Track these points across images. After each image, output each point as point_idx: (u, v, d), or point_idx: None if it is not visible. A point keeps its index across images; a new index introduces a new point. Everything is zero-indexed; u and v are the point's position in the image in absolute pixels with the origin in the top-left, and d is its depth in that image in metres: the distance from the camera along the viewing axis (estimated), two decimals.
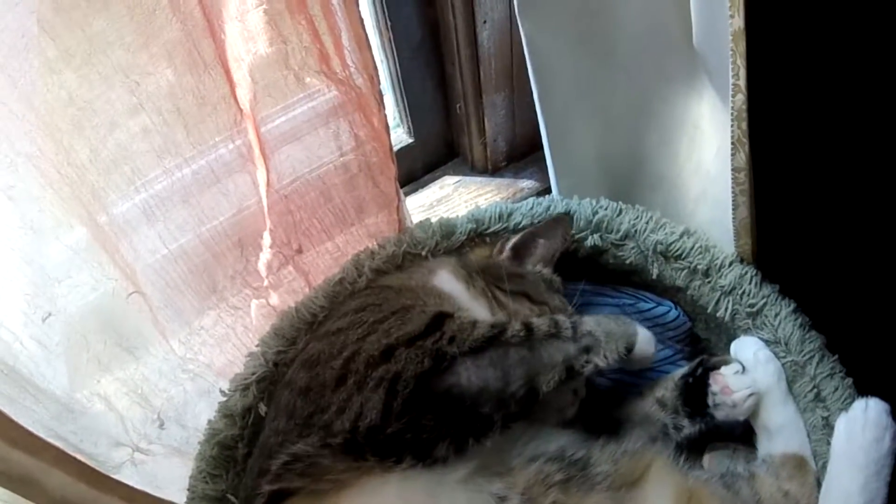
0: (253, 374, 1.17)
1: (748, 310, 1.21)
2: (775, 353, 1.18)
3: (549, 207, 1.32)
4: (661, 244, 1.27)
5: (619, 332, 1.06)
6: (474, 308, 1.14)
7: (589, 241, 1.31)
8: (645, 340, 1.09)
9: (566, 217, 1.30)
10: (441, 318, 0.99)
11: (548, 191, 1.62)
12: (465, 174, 1.86)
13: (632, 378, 1.26)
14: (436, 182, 1.85)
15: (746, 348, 1.20)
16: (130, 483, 1.15)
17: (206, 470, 1.14)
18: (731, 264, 1.23)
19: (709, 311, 1.26)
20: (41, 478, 0.99)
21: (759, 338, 1.20)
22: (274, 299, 1.34)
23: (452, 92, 1.71)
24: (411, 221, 1.39)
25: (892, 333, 1.19)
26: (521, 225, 1.31)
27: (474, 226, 1.30)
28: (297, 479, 0.93)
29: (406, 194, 1.78)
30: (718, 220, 1.19)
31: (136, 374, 1.22)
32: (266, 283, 1.32)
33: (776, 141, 1.11)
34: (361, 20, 1.08)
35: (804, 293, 1.19)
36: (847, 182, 1.18)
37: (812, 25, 1.06)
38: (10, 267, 1.00)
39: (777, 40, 1.04)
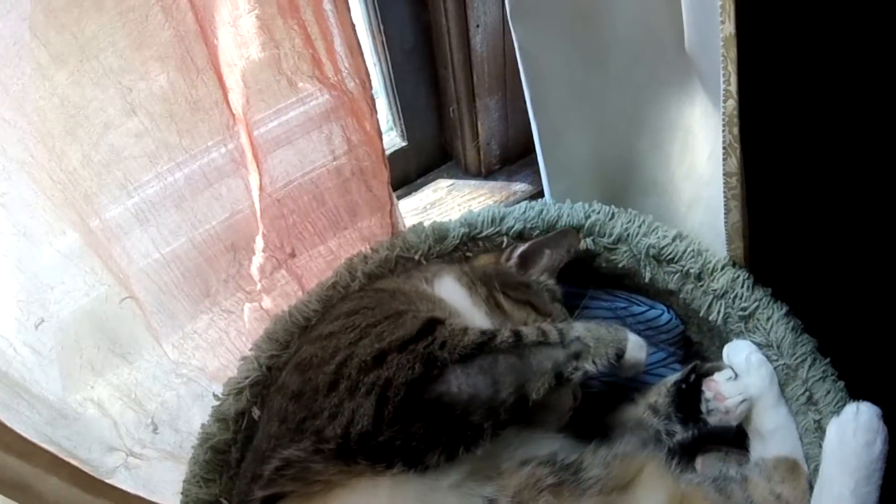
0: (246, 378, 1.17)
1: (740, 313, 1.21)
2: (767, 357, 1.18)
3: (541, 211, 1.32)
4: (654, 248, 1.27)
5: (608, 338, 1.06)
6: (474, 315, 1.14)
7: (581, 245, 1.31)
8: (636, 347, 1.08)
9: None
10: (433, 324, 0.99)
11: (541, 194, 1.62)
12: (458, 177, 1.86)
13: (625, 382, 1.26)
14: (429, 185, 1.85)
15: (739, 352, 1.20)
16: (124, 487, 1.16)
17: (200, 474, 1.15)
18: (723, 268, 1.23)
19: (701, 314, 1.27)
20: (35, 483, 0.99)
21: (751, 341, 1.21)
22: (267, 303, 1.34)
23: (446, 95, 1.71)
24: (404, 225, 1.39)
25: (884, 337, 1.19)
26: (513, 229, 1.31)
27: (467, 230, 1.31)
28: (289, 483, 0.93)
29: (399, 198, 1.78)
30: (711, 224, 1.19)
31: (129, 378, 1.22)
32: (259, 286, 1.32)
33: (768, 145, 1.12)
34: (353, 25, 1.08)
35: (796, 297, 1.20)
36: (838, 186, 1.19)
37: (802, 31, 1.06)
38: (2, 273, 1.00)
39: (768, 46, 1.04)
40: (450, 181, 1.85)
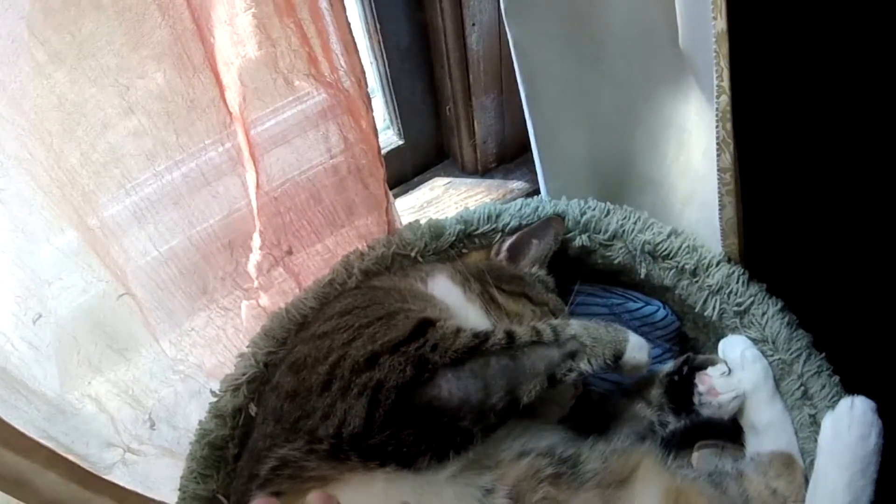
0: (243, 374, 1.17)
1: (735, 309, 1.22)
2: (763, 352, 1.19)
3: (537, 208, 1.33)
4: (649, 244, 1.28)
5: (607, 338, 1.05)
6: (469, 311, 1.14)
7: (577, 242, 1.32)
8: (636, 347, 1.07)
9: (559, 218, 1.31)
10: (425, 326, 0.99)
11: (537, 192, 1.62)
12: (454, 176, 1.86)
13: (619, 377, 1.26)
14: (426, 183, 1.85)
15: (734, 347, 1.20)
16: (122, 483, 1.16)
17: (197, 470, 1.15)
18: (718, 264, 1.23)
19: (697, 310, 1.27)
20: (33, 478, 1.00)
21: (746, 336, 1.21)
22: (264, 300, 1.35)
23: (442, 94, 1.71)
24: (401, 223, 1.40)
25: (879, 331, 1.20)
26: (509, 226, 1.32)
27: (463, 227, 1.31)
28: (285, 482, 0.94)
29: (396, 196, 1.78)
30: (706, 220, 1.19)
31: (126, 375, 1.22)
32: (256, 284, 1.32)
33: (762, 141, 1.12)
34: (349, 23, 1.09)
35: (791, 292, 1.20)
36: (833, 181, 1.19)
37: (795, 26, 1.07)
38: (0, 269, 1.00)
39: (760, 42, 1.05)
40: (446, 179, 1.85)
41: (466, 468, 0.94)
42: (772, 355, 1.18)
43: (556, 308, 1.21)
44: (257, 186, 1.20)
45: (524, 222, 1.32)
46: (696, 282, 1.25)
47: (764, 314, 1.19)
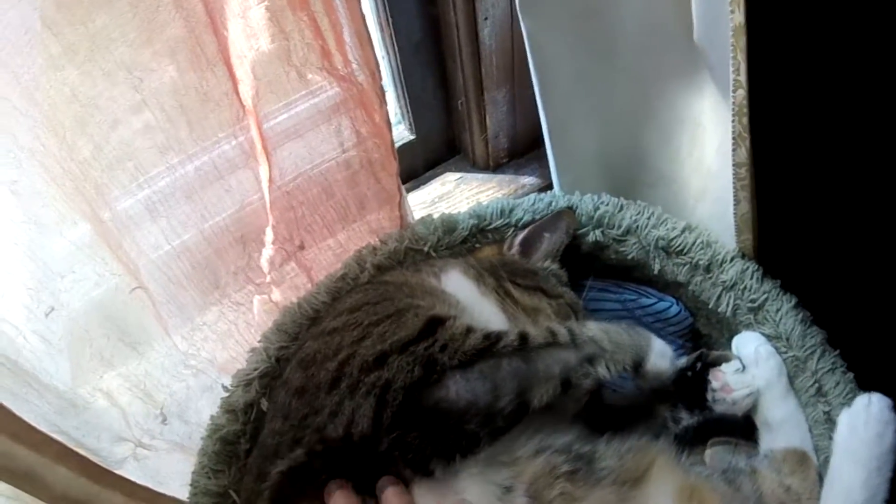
0: (255, 369, 1.17)
1: (749, 305, 1.21)
2: (777, 349, 1.18)
3: (550, 203, 1.33)
4: (663, 240, 1.27)
5: (628, 344, 1.04)
6: (484, 307, 1.13)
7: (591, 237, 1.31)
8: (659, 354, 1.06)
9: (570, 211, 1.30)
10: (434, 324, 0.97)
11: (549, 187, 1.62)
12: (466, 171, 1.86)
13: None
14: (437, 179, 1.85)
15: (748, 343, 1.20)
16: (133, 478, 1.16)
17: (209, 465, 1.15)
18: (732, 260, 1.23)
19: (710, 306, 1.26)
20: (43, 473, 1.00)
21: (760, 333, 1.20)
22: (276, 295, 1.35)
23: (454, 88, 1.71)
24: (413, 218, 1.39)
25: (893, 329, 1.19)
26: (522, 220, 1.31)
27: (476, 221, 1.31)
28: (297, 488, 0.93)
29: (407, 191, 1.77)
30: (720, 215, 1.19)
31: (138, 369, 1.22)
32: (268, 278, 1.32)
33: (778, 136, 1.11)
34: (363, 16, 1.08)
35: (805, 288, 1.19)
36: (849, 177, 1.18)
37: (813, 20, 1.06)
38: (13, 261, 1.00)
39: (778, 35, 1.04)
40: (458, 174, 1.85)
41: (485, 464, 0.92)
42: (786, 352, 1.17)
43: (572, 301, 1.20)
44: (270, 181, 1.20)
45: (537, 217, 1.32)
46: (710, 278, 1.25)
47: (778, 311, 1.19)
